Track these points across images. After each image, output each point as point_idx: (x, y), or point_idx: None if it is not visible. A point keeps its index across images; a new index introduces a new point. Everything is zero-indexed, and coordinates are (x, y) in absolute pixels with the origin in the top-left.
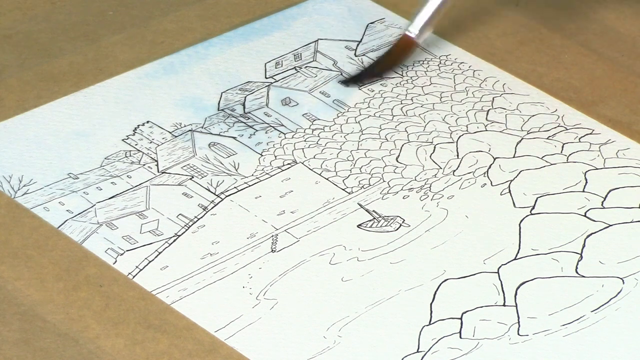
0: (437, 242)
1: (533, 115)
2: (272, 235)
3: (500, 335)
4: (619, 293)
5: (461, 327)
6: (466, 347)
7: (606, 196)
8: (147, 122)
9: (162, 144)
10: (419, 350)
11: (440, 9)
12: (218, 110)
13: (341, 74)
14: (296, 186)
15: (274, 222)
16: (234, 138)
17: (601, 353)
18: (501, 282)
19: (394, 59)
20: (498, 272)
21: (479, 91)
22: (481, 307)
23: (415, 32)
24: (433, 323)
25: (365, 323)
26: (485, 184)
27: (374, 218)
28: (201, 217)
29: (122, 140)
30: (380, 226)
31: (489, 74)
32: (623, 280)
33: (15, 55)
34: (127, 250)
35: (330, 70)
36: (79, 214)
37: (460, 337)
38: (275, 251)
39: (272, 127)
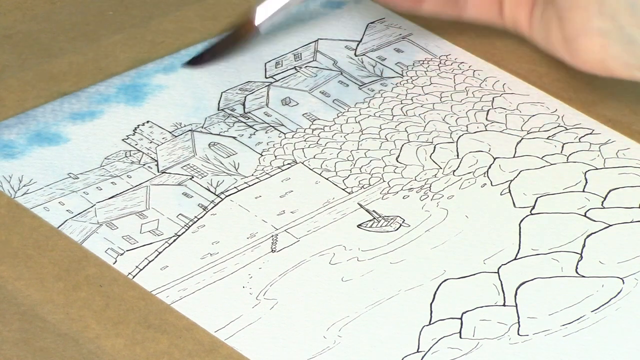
0: (437, 242)
1: (533, 115)
2: (272, 235)
3: (500, 335)
4: (619, 293)
5: (461, 327)
6: (466, 347)
7: (606, 196)
8: (147, 122)
9: (162, 143)
10: (419, 350)
11: (290, 3)
12: (218, 110)
13: (341, 74)
14: (296, 186)
15: (274, 222)
16: (234, 138)
17: (601, 353)
18: (501, 282)
19: (234, 41)
20: (498, 272)
21: (479, 91)
22: (481, 307)
23: (260, 21)
24: (433, 323)
25: (365, 323)
26: (485, 184)
27: (374, 218)
28: (201, 217)
29: (122, 140)
30: (380, 226)
31: (489, 74)
32: (623, 280)
33: (15, 55)
34: (127, 250)
35: (331, 70)
36: (79, 214)
37: (460, 337)
38: (275, 251)
39: (272, 127)
